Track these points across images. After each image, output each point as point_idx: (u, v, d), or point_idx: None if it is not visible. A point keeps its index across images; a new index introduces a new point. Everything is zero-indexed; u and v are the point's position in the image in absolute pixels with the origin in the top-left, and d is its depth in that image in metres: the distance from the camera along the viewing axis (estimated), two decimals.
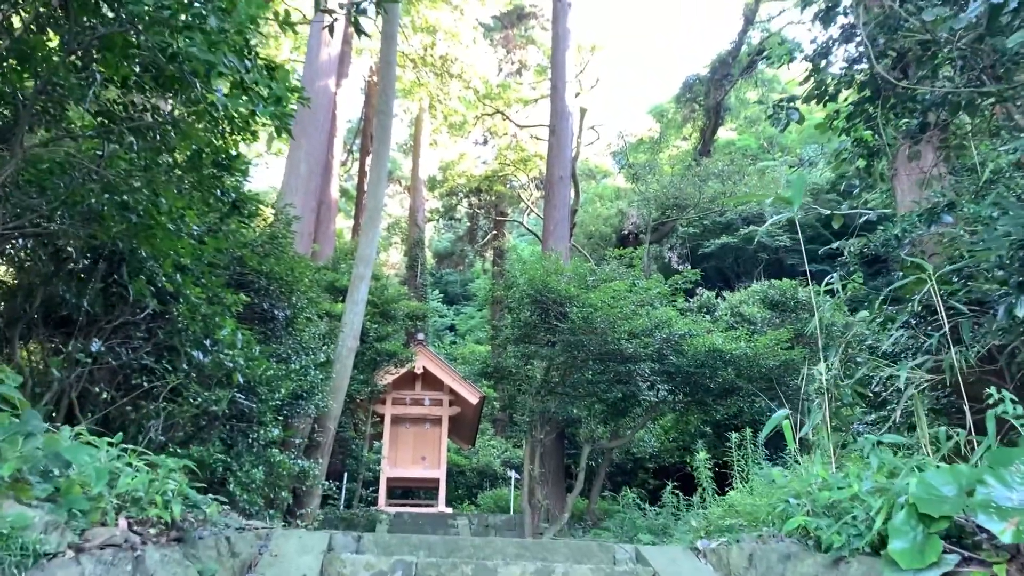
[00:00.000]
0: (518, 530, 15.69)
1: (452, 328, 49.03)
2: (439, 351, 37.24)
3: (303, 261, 11.36)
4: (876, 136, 6.91)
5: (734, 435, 12.74)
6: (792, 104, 6.92)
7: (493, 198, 39.87)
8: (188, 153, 6.02)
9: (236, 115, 5.65)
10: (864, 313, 6.77)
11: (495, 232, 40.18)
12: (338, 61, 19.23)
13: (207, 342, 8.31)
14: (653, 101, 53.06)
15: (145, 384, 8.28)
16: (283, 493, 10.11)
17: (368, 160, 27.45)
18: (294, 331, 11.07)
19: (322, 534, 3.98)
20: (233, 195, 6.11)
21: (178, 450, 8.15)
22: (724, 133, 42.36)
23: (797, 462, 12.11)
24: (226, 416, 9.19)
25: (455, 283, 54.06)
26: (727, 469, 16.56)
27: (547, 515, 16.08)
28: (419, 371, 19.14)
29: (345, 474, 16.71)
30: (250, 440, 9.61)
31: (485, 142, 40.75)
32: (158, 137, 6.24)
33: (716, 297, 26.81)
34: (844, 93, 6.94)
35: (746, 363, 14.72)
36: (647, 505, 17.52)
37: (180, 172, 6.06)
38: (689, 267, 38.50)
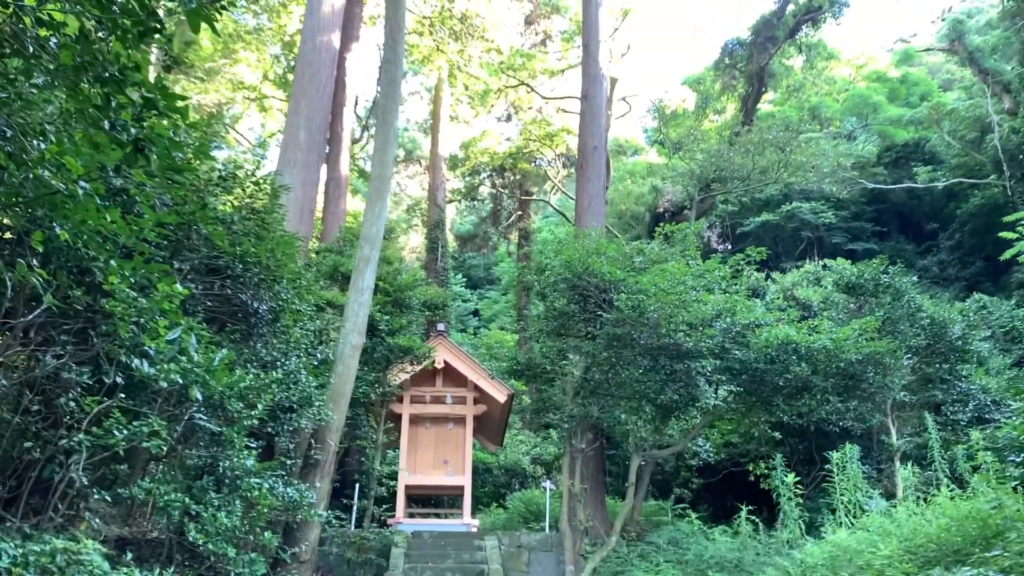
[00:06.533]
0: (556, 551, 13.54)
1: (476, 313, 47.09)
2: (463, 339, 35.21)
3: (290, 241, 9.20)
4: None
5: (834, 455, 10.47)
6: None
7: (518, 177, 37.53)
8: (69, 66, 3.86)
9: None
10: None
11: (520, 213, 37.88)
12: (344, 16, 17.03)
13: (151, 348, 6.18)
14: (686, 72, 50.33)
15: (73, 405, 6.21)
16: (266, 534, 7.99)
17: None
18: (279, 329, 8.94)
19: None
20: (133, 130, 3.92)
21: (106, 495, 6.05)
22: (761, 105, 39.77)
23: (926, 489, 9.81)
24: (181, 443, 7.10)
25: (478, 267, 52.05)
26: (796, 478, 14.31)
27: (585, 528, 13.93)
28: (440, 365, 17.00)
29: (357, 487, 14.65)
30: (220, 471, 7.51)
31: (508, 118, 38.39)
32: (30, 49, 4.08)
33: (766, 279, 24.38)
34: None
35: (824, 357, 12.43)
36: (691, 510, 15.38)
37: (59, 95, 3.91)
38: (729, 246, 36.16)
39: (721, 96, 36.44)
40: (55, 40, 4.06)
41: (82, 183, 3.94)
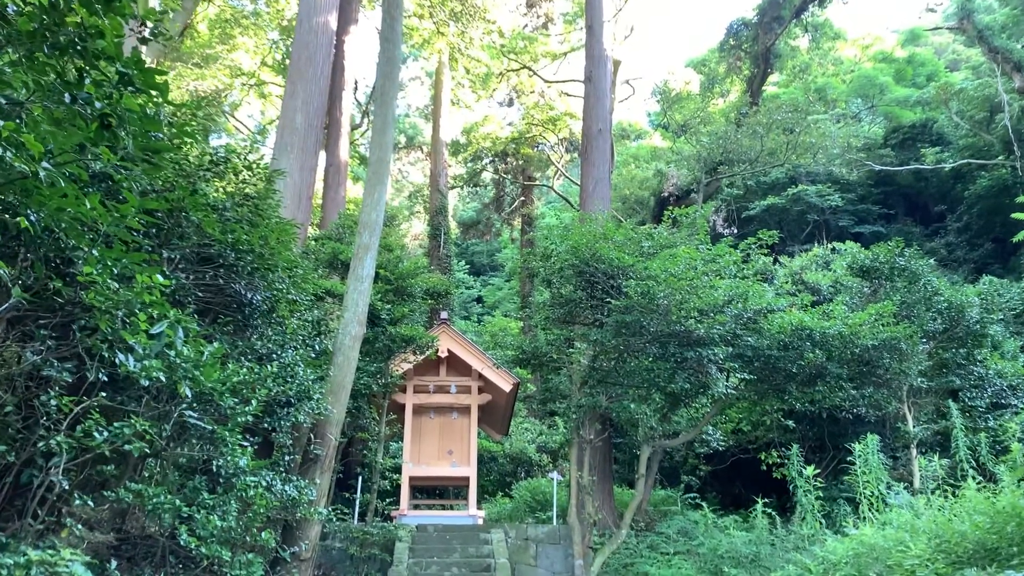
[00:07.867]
0: (564, 544, 13.22)
1: (479, 300, 46.74)
2: (466, 327, 34.81)
3: (286, 228, 8.81)
4: None
5: (857, 447, 10.11)
6: None
7: (520, 162, 37.02)
8: (25, 32, 3.46)
9: None
10: None
11: (523, 198, 37.42)
12: None
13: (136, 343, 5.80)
14: (691, 54, 49.73)
15: (53, 404, 5.85)
16: (263, 534, 7.65)
17: None
18: (275, 319, 8.56)
19: None
20: (99, 105, 3.53)
21: (88, 501, 5.70)
22: (766, 87, 39.13)
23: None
24: (171, 442, 6.74)
25: (481, 253, 51.68)
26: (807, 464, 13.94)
27: (594, 520, 13.60)
28: (443, 354, 16.61)
29: (360, 480, 14.33)
30: (214, 470, 7.16)
31: (510, 103, 37.92)
32: None
33: (773, 263, 23.90)
34: None
35: (839, 343, 12.05)
36: (700, 498, 15.03)
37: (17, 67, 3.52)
38: (735, 230, 35.67)
39: (726, 78, 35.89)
40: (13, 7, 3.66)
41: (45, 164, 3.55)
